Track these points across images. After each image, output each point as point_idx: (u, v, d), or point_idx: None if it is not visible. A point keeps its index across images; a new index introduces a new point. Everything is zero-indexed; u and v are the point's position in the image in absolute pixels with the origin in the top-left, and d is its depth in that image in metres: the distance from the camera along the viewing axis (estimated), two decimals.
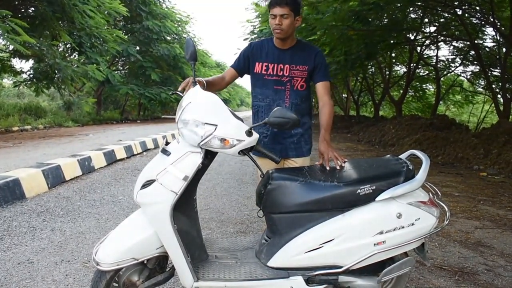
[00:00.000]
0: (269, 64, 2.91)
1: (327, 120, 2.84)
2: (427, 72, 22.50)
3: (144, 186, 2.20)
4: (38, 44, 12.48)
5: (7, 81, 27.15)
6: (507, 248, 4.17)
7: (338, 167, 2.48)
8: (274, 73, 2.90)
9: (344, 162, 2.54)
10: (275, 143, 2.93)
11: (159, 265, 2.38)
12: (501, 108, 12.99)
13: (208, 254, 2.45)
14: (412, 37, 17.12)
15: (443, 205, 2.38)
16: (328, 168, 2.51)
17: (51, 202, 5.30)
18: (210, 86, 2.80)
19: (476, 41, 14.40)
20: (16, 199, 5.26)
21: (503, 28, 12.43)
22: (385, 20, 14.27)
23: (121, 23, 24.04)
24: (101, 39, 16.69)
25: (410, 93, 24.14)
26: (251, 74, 3.03)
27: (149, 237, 2.21)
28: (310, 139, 3.07)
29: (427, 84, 24.71)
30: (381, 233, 2.19)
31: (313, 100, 18.19)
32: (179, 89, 2.55)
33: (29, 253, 3.62)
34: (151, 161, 2.36)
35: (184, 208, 2.32)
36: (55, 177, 6.26)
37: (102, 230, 4.28)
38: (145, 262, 2.29)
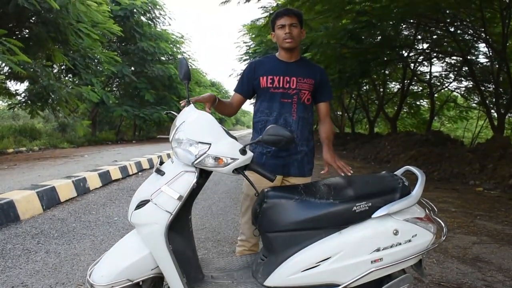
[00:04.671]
0: (275, 77, 2.83)
1: (329, 135, 2.94)
2: (421, 88, 22.65)
3: (139, 206, 2.18)
4: (32, 65, 12.49)
5: (2, 103, 27.08)
6: (505, 263, 4.15)
7: (349, 174, 2.59)
8: (281, 85, 2.83)
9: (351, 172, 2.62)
10: (278, 159, 2.84)
11: (155, 286, 2.34)
12: (495, 123, 13.07)
13: (204, 274, 2.41)
14: (405, 54, 17.27)
15: (440, 221, 2.37)
16: (342, 174, 2.57)
17: (45, 224, 5.25)
18: (221, 106, 2.82)
19: (468, 57, 14.53)
20: (10, 221, 5.20)
21: (495, 44, 12.56)
22: (378, 37, 14.41)
23: (116, 44, 24.11)
24: (95, 60, 16.69)
25: (404, 110, 24.24)
26: (256, 90, 2.96)
27: (144, 258, 2.18)
28: (313, 159, 3.01)
29: (421, 100, 24.88)
30: (378, 250, 2.18)
31: None
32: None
33: (24, 276, 3.57)
34: (146, 181, 2.34)
35: (179, 228, 2.29)
36: (50, 198, 6.20)
37: (97, 252, 4.23)
38: (140, 283, 2.25)
